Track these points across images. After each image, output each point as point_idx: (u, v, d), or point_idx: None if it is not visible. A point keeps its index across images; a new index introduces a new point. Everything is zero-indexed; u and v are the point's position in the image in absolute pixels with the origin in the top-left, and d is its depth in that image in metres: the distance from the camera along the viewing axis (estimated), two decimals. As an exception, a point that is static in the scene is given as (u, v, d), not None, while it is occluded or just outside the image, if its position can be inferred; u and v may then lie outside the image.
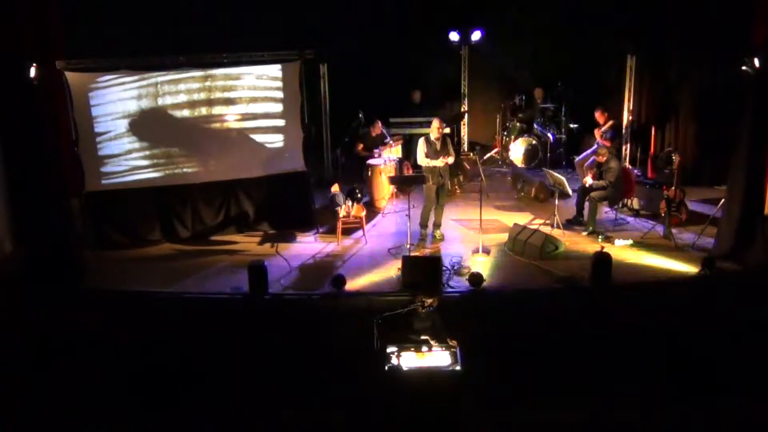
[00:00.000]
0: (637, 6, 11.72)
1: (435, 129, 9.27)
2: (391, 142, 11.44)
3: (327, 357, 7.32)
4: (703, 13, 10.83)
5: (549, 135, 12.63)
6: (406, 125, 12.66)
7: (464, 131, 13.70)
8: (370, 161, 11.05)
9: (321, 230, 10.06)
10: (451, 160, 9.39)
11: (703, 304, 7.91)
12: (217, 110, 9.81)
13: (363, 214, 9.81)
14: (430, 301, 6.66)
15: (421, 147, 9.36)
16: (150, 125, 9.62)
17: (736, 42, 9.95)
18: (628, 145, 12.08)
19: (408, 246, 9.12)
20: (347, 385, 6.93)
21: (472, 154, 12.61)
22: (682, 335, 7.51)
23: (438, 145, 9.31)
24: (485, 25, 12.84)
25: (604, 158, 9.75)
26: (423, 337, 6.45)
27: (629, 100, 11.87)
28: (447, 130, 12.11)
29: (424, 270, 8.18)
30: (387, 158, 11.11)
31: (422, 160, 9.34)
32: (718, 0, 10.64)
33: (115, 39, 10.75)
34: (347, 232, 9.81)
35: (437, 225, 9.65)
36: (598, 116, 11.19)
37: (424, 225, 9.56)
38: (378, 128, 11.52)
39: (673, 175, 9.50)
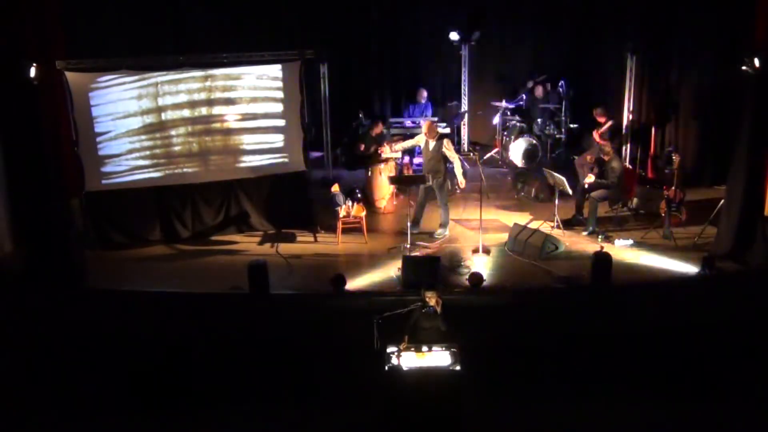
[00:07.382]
0: (638, 6, 11.70)
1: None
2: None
3: (327, 357, 7.32)
4: (703, 13, 10.82)
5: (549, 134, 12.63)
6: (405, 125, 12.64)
7: (464, 131, 13.69)
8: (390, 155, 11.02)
9: (321, 230, 10.06)
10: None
11: (703, 304, 7.91)
12: (217, 110, 9.80)
13: (363, 214, 9.81)
14: (433, 300, 6.66)
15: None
16: (150, 125, 9.61)
17: (736, 42, 9.96)
18: (628, 145, 12.07)
19: (408, 246, 9.12)
20: (347, 385, 6.94)
21: (472, 154, 12.61)
22: (682, 335, 7.51)
23: None
24: (486, 24, 12.82)
25: (609, 156, 9.75)
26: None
27: (629, 100, 11.86)
28: (447, 130, 12.21)
29: (424, 269, 8.18)
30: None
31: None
32: (718, 0, 10.63)
33: (115, 39, 10.75)
34: (347, 232, 9.80)
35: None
36: (598, 116, 11.17)
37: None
38: (379, 128, 11.51)
39: (673, 175, 9.50)
